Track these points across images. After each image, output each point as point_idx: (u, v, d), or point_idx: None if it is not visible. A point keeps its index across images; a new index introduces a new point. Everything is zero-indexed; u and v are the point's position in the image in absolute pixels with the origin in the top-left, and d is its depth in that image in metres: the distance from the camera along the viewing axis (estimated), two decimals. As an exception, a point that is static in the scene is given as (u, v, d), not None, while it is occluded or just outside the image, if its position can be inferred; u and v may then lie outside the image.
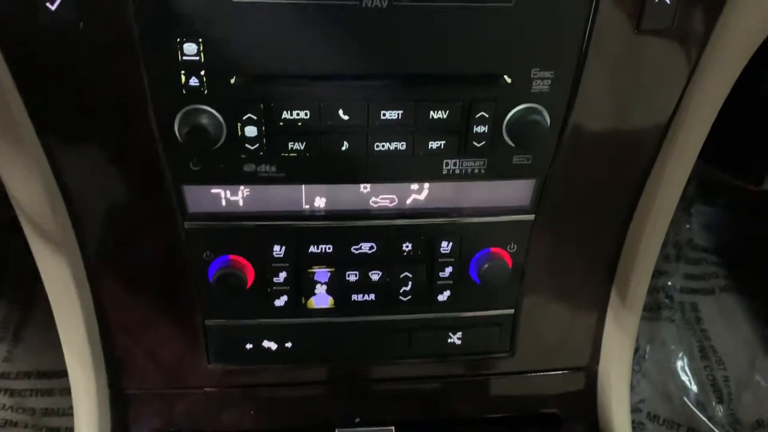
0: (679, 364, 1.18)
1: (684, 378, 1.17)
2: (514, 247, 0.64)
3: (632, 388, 1.09)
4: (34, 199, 0.57)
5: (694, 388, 1.16)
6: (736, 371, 1.17)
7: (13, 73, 0.50)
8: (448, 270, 0.64)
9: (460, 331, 0.68)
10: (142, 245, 0.61)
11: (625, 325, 0.72)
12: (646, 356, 1.19)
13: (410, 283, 0.65)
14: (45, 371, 1.08)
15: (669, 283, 1.27)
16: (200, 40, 0.49)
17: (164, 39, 0.49)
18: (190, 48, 0.50)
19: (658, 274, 1.25)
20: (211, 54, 0.50)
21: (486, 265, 0.63)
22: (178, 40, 0.49)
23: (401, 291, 0.65)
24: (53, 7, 0.47)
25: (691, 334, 1.23)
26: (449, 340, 0.69)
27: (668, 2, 0.51)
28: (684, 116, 0.58)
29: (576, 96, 0.55)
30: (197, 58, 0.50)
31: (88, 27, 0.48)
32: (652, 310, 1.23)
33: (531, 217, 0.62)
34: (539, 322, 0.70)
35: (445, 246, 0.63)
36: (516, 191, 0.61)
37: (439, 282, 0.65)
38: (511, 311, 0.69)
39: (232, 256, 0.61)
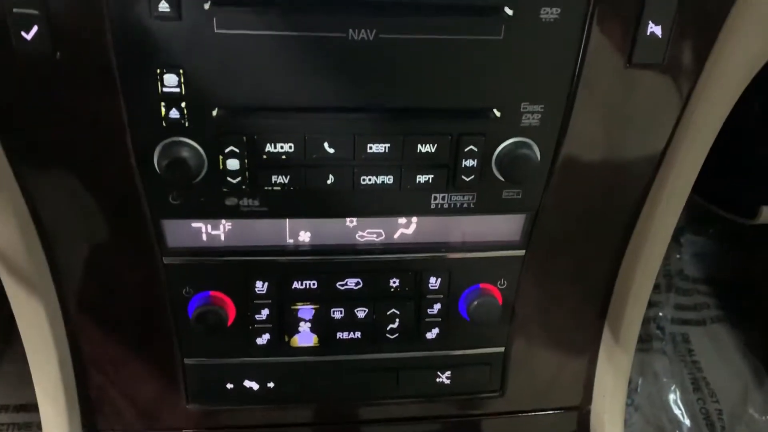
0: (672, 397, 1.19)
1: (677, 411, 1.17)
2: (504, 284, 0.63)
3: (625, 422, 1.07)
4: (7, 233, 0.55)
5: (687, 421, 1.16)
6: (729, 404, 1.17)
7: None
8: (437, 307, 0.63)
9: (449, 369, 0.67)
10: (119, 281, 0.60)
11: (618, 364, 0.71)
12: (638, 389, 1.19)
13: (398, 320, 0.63)
14: (24, 404, 1.06)
15: (660, 314, 1.28)
16: (181, 71, 0.48)
17: (144, 70, 0.48)
18: (170, 79, 0.49)
19: (648, 304, 1.25)
20: (192, 85, 0.49)
21: (475, 302, 0.61)
22: (158, 71, 0.48)
23: (388, 328, 0.64)
24: (29, 37, 0.46)
25: (682, 366, 1.23)
26: (438, 379, 0.67)
27: (660, 36, 0.50)
28: (677, 150, 0.57)
29: (566, 130, 0.54)
30: (178, 89, 0.49)
31: (65, 57, 0.47)
32: (643, 342, 1.23)
33: (521, 252, 0.61)
34: (530, 360, 0.69)
35: (434, 282, 0.62)
36: (506, 226, 0.60)
37: (427, 319, 0.64)
38: (502, 349, 0.67)
39: (212, 293, 0.60)
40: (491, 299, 0.62)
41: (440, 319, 0.64)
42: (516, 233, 0.60)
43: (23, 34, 0.46)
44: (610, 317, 0.68)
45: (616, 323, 0.68)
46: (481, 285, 0.62)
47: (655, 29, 0.50)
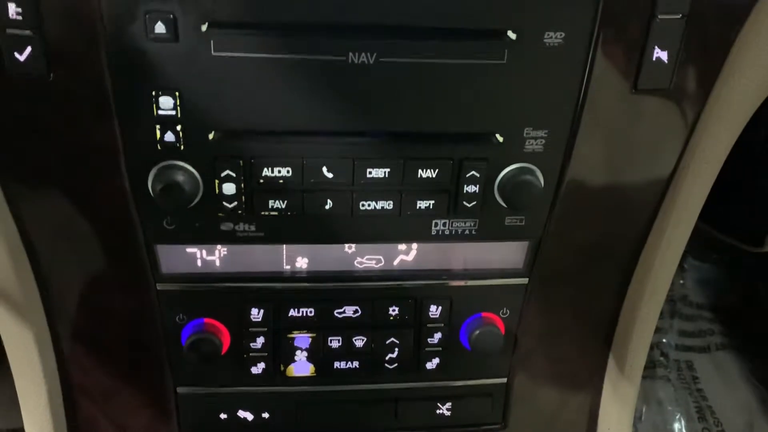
0: (677, 426, 1.18)
1: (682, 441, 1.15)
2: (506, 313, 0.62)
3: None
4: (-3, 256, 0.54)
5: (693, 451, 1.14)
6: (735, 434, 1.14)
7: None
8: (437, 336, 0.62)
9: (449, 401, 0.66)
10: (111, 308, 0.59)
11: (623, 395, 0.69)
12: (642, 418, 1.17)
13: (397, 349, 0.62)
14: (16, 429, 1.03)
15: (664, 340, 1.27)
16: (177, 93, 0.48)
17: (139, 92, 0.48)
18: (166, 102, 0.48)
19: (652, 331, 1.25)
20: (188, 108, 0.48)
21: (477, 331, 0.60)
22: (154, 93, 0.48)
23: (387, 358, 0.63)
24: (22, 58, 0.46)
25: (687, 393, 1.22)
26: (438, 411, 0.66)
27: (666, 61, 0.50)
28: (683, 177, 0.57)
29: (571, 156, 0.53)
30: (173, 112, 0.48)
31: (59, 79, 0.47)
32: (647, 368, 1.21)
33: (524, 280, 0.61)
34: (533, 391, 0.68)
35: (434, 310, 0.61)
36: (509, 253, 0.59)
37: (427, 348, 0.63)
38: (504, 380, 0.66)
39: (206, 320, 0.59)
40: (493, 328, 0.61)
41: (441, 349, 0.63)
42: (519, 261, 0.60)
43: (16, 55, 0.45)
44: (615, 348, 0.67)
45: (621, 354, 0.67)
46: (483, 314, 0.61)
47: (661, 54, 0.50)
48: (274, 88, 0.48)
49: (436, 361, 0.63)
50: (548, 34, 0.48)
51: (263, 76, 0.48)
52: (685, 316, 1.30)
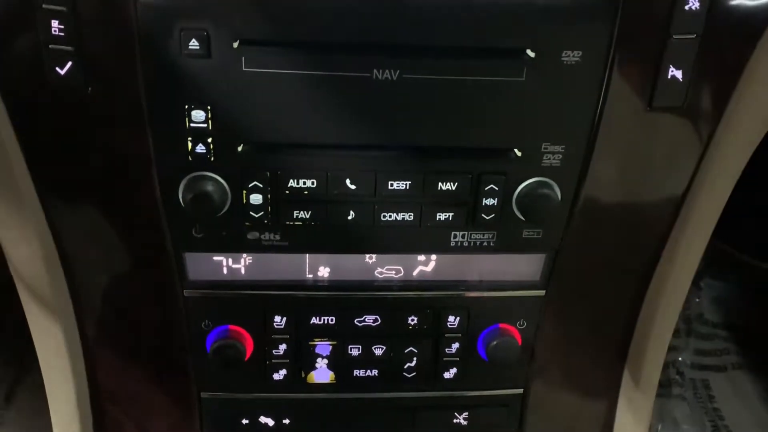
0: None
1: (698, 461, 1.13)
2: (523, 324, 0.62)
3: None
4: (31, 261, 0.56)
5: (709, 471, 1.12)
6: (752, 454, 1.13)
7: (18, 133, 0.50)
8: (455, 346, 0.63)
9: (466, 410, 0.66)
10: (139, 313, 0.60)
11: (638, 408, 0.69)
12: (658, 436, 1.16)
13: (415, 358, 0.63)
14: (40, 439, 1.04)
15: (679, 359, 1.25)
16: (209, 107, 0.49)
17: (173, 105, 0.49)
18: (198, 115, 0.49)
19: (667, 349, 1.23)
20: (219, 121, 0.50)
21: (494, 342, 0.61)
22: (187, 106, 0.49)
23: (406, 367, 0.63)
24: (63, 72, 0.47)
25: (703, 412, 1.20)
26: (455, 420, 0.66)
27: (680, 79, 0.51)
28: (698, 193, 0.57)
29: (587, 171, 0.54)
30: (205, 125, 0.50)
31: (97, 92, 0.48)
32: (662, 387, 1.20)
33: (541, 292, 0.61)
34: (549, 403, 0.68)
35: (452, 320, 0.61)
36: (526, 266, 0.60)
37: (445, 358, 0.63)
38: (520, 391, 0.66)
39: (231, 327, 0.60)
40: (510, 339, 0.61)
41: (458, 359, 0.63)
42: (536, 273, 0.60)
43: (57, 69, 0.47)
44: (630, 360, 0.67)
45: (636, 367, 0.67)
46: (501, 325, 0.62)
47: (675, 73, 0.50)
48: (301, 103, 0.50)
49: (453, 370, 0.64)
50: (566, 53, 0.49)
51: (291, 92, 0.49)
52: (701, 335, 1.28)
